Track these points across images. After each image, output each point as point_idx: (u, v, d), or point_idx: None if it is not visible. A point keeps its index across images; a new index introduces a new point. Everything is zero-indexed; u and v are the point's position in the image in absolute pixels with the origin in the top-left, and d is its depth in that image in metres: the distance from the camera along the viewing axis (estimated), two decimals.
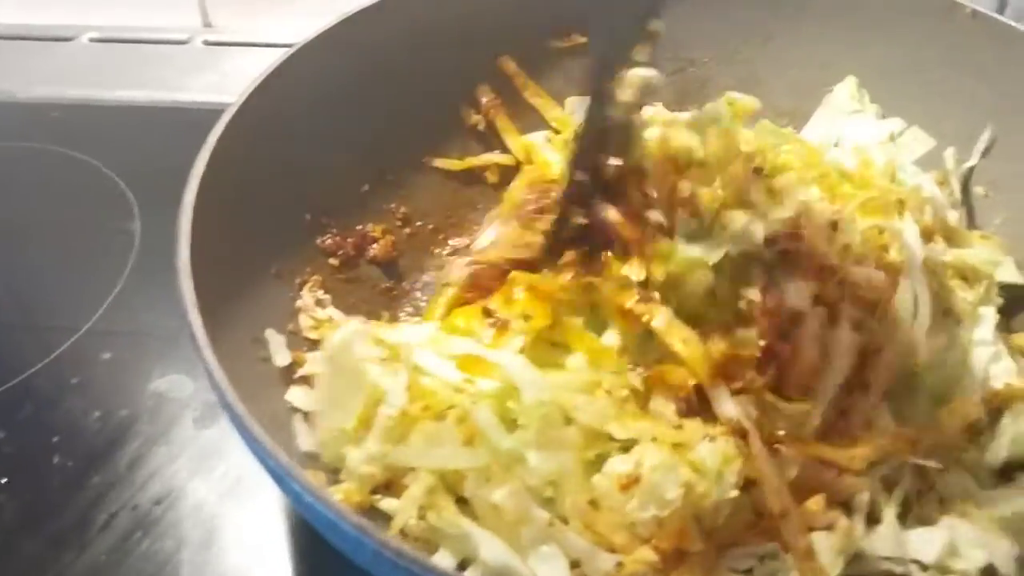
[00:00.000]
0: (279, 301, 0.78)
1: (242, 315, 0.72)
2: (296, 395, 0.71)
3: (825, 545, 0.58)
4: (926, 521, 0.62)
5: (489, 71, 0.96)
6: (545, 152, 0.91)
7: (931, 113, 0.88)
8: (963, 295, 0.74)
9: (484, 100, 0.95)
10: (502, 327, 0.67)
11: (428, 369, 0.66)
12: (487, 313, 0.70)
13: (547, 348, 0.67)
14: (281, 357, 0.72)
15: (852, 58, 0.91)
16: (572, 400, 0.61)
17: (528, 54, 0.94)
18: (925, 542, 0.59)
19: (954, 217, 0.83)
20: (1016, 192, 0.84)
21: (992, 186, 0.86)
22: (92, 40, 1.34)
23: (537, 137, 0.94)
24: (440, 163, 0.94)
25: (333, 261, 0.85)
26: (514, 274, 0.70)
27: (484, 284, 0.75)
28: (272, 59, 0.82)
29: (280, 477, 0.52)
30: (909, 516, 0.62)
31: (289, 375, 0.72)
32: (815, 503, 0.59)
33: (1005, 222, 0.85)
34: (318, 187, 0.86)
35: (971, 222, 0.87)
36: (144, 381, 0.86)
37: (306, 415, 0.70)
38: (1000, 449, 0.65)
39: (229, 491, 0.77)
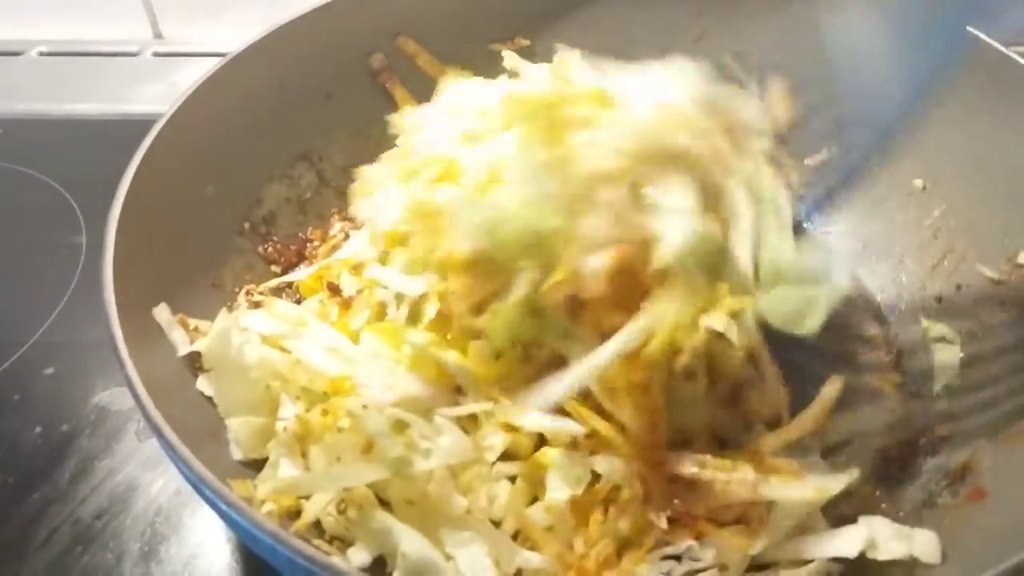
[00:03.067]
0: (217, 311, 0.77)
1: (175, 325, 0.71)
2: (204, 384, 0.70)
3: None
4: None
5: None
6: None
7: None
8: None
9: (376, 66, 0.94)
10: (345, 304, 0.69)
11: (309, 363, 0.66)
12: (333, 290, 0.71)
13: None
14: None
15: (784, 55, 0.91)
16: None
17: (464, 56, 0.93)
18: (844, 540, 0.61)
19: None
20: (953, 185, 0.85)
21: (931, 179, 0.87)
22: (41, 54, 1.34)
23: None
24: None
25: (275, 268, 0.85)
26: None
27: None
28: (211, 67, 0.82)
29: (195, 484, 0.52)
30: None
31: None
32: None
33: (943, 214, 0.85)
34: (258, 195, 0.86)
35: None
36: (87, 395, 0.85)
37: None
38: None
39: (171, 502, 0.77)
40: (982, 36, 0.80)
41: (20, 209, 1.07)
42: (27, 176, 1.09)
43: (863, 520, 0.63)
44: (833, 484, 0.63)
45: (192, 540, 0.74)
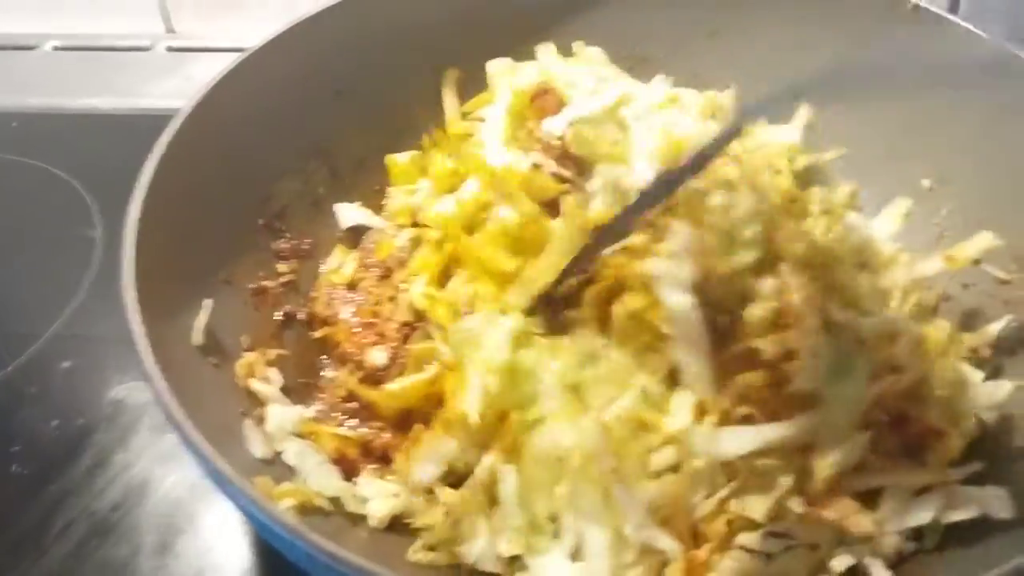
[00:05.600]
0: (231, 307, 0.78)
1: (192, 321, 0.72)
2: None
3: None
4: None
5: (441, 69, 0.96)
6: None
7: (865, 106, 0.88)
8: None
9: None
10: None
11: None
12: None
13: None
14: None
15: (797, 52, 0.92)
16: None
17: (481, 58, 0.94)
18: (917, 509, 0.62)
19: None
20: (961, 185, 0.85)
21: (937, 179, 0.87)
22: (55, 48, 1.34)
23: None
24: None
25: (291, 265, 0.86)
26: None
27: None
28: (228, 62, 0.82)
29: (217, 480, 0.53)
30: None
31: (249, 396, 0.72)
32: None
33: (949, 213, 0.86)
34: (271, 191, 0.87)
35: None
36: (103, 389, 0.86)
37: (258, 421, 0.70)
38: None
39: (187, 495, 0.78)
40: (985, 36, 0.81)
41: (34, 203, 1.08)
42: (40, 170, 1.10)
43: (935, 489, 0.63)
44: (954, 472, 0.63)
45: (208, 534, 0.75)
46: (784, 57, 0.91)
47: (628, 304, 0.64)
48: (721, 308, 0.62)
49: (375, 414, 0.74)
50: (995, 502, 0.62)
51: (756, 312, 0.61)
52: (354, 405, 0.75)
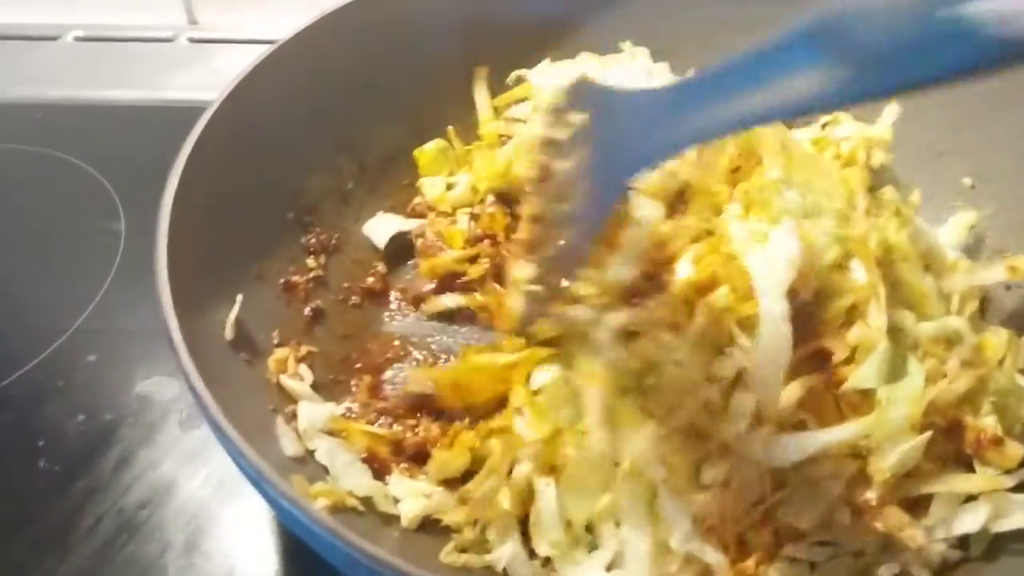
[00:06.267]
0: (262, 303, 0.77)
1: (225, 317, 0.71)
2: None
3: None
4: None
5: (470, 64, 0.95)
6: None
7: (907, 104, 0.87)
8: None
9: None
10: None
11: None
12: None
13: None
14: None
15: None
16: None
17: (510, 55, 0.92)
18: (966, 517, 0.61)
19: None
20: (1002, 183, 0.84)
21: (979, 177, 0.85)
22: (77, 39, 1.33)
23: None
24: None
25: (320, 260, 0.85)
26: None
27: None
28: (258, 55, 0.82)
29: (256, 481, 0.52)
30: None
31: (280, 392, 0.72)
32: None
33: (994, 212, 0.84)
34: (301, 185, 0.86)
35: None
36: (129, 383, 0.85)
37: (289, 418, 0.69)
38: None
39: (214, 494, 0.77)
40: None
41: (57, 195, 1.07)
42: (64, 162, 1.09)
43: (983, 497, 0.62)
44: (1006, 479, 0.62)
45: (235, 532, 0.74)
46: None
47: (716, 301, 0.62)
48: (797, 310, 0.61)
49: (408, 411, 0.73)
50: None
51: (832, 310, 0.59)
52: (385, 403, 0.74)
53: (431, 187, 0.89)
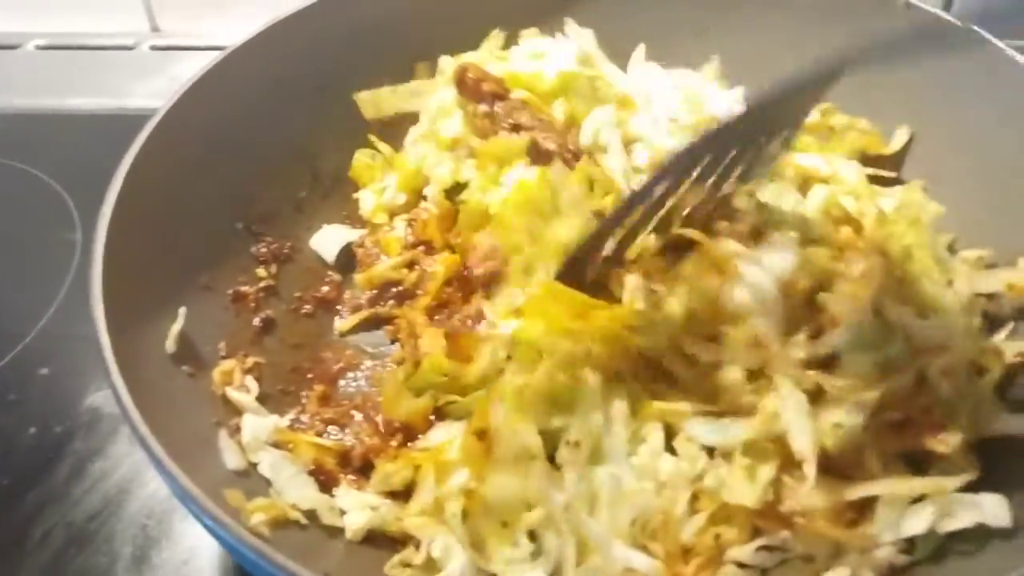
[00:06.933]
0: (209, 314, 0.77)
1: (168, 328, 0.71)
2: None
3: None
4: None
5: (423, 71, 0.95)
6: None
7: (870, 105, 0.87)
8: None
9: None
10: None
11: None
12: None
13: None
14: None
15: (785, 51, 0.90)
16: None
17: (462, 53, 0.92)
18: (913, 518, 0.61)
19: None
20: (953, 185, 0.84)
21: (931, 180, 0.85)
22: (38, 48, 1.33)
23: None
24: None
25: (271, 270, 0.85)
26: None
27: None
28: (207, 62, 0.82)
29: (180, 496, 0.51)
30: None
31: (225, 405, 0.71)
32: None
33: (948, 214, 0.84)
34: (252, 194, 0.85)
35: None
36: (81, 396, 0.85)
37: (233, 431, 0.69)
38: None
39: (164, 506, 0.76)
40: (985, 34, 0.79)
41: (14, 205, 1.06)
42: (22, 172, 1.08)
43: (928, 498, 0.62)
44: (949, 481, 0.62)
45: (184, 545, 0.74)
46: (772, 56, 0.90)
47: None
48: None
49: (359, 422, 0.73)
50: (994, 510, 0.60)
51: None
52: (332, 414, 0.74)
53: (365, 201, 0.89)
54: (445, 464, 0.63)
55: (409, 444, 0.70)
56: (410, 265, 0.82)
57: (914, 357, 0.64)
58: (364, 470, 0.70)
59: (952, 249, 0.80)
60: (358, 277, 0.84)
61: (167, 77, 1.24)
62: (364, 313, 0.82)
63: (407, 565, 0.63)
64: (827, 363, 0.63)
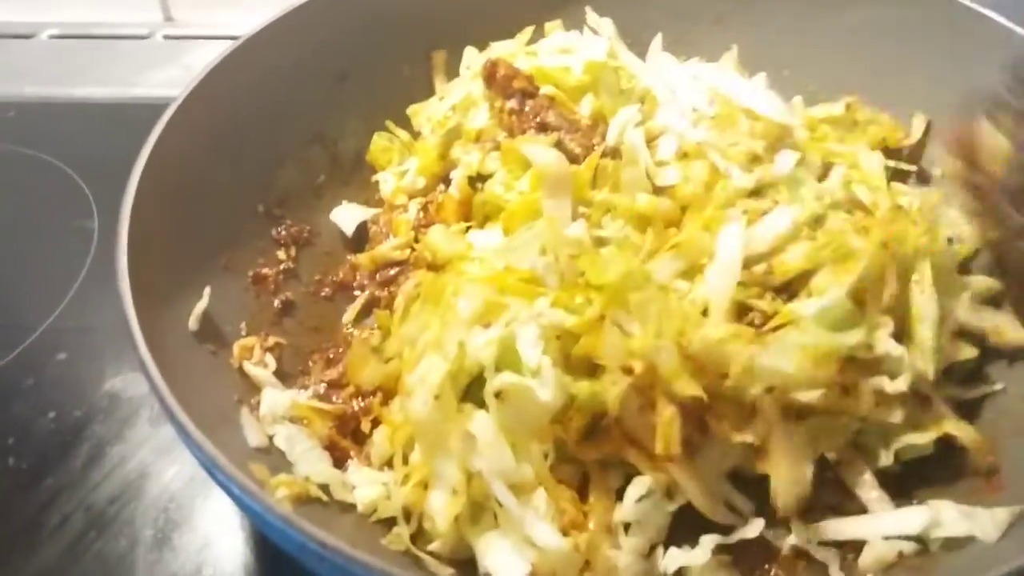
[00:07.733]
0: (230, 295, 0.76)
1: (191, 308, 0.71)
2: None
3: None
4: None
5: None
6: None
7: (878, 91, 0.87)
8: None
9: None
10: None
11: None
12: None
13: None
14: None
15: (805, 39, 0.91)
16: None
17: (481, 41, 0.92)
18: (907, 519, 0.61)
19: None
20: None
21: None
22: (52, 37, 1.33)
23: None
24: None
25: (291, 252, 0.84)
26: None
27: None
28: (224, 49, 0.81)
29: (210, 469, 0.51)
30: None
31: (246, 382, 0.71)
32: None
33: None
34: (272, 178, 0.85)
35: None
36: (99, 380, 0.85)
37: (255, 409, 0.69)
38: None
39: (184, 489, 0.76)
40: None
41: (31, 193, 1.06)
42: (38, 160, 1.08)
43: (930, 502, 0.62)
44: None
45: (205, 527, 0.73)
46: (790, 44, 0.91)
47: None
48: None
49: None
50: (984, 526, 0.60)
51: None
52: (336, 375, 0.74)
53: (384, 183, 0.89)
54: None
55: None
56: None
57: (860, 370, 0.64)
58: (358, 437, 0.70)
59: None
60: (361, 256, 0.83)
61: (180, 66, 1.24)
62: (363, 298, 0.81)
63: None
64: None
